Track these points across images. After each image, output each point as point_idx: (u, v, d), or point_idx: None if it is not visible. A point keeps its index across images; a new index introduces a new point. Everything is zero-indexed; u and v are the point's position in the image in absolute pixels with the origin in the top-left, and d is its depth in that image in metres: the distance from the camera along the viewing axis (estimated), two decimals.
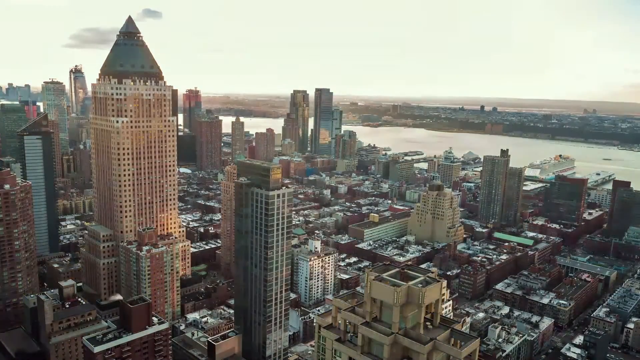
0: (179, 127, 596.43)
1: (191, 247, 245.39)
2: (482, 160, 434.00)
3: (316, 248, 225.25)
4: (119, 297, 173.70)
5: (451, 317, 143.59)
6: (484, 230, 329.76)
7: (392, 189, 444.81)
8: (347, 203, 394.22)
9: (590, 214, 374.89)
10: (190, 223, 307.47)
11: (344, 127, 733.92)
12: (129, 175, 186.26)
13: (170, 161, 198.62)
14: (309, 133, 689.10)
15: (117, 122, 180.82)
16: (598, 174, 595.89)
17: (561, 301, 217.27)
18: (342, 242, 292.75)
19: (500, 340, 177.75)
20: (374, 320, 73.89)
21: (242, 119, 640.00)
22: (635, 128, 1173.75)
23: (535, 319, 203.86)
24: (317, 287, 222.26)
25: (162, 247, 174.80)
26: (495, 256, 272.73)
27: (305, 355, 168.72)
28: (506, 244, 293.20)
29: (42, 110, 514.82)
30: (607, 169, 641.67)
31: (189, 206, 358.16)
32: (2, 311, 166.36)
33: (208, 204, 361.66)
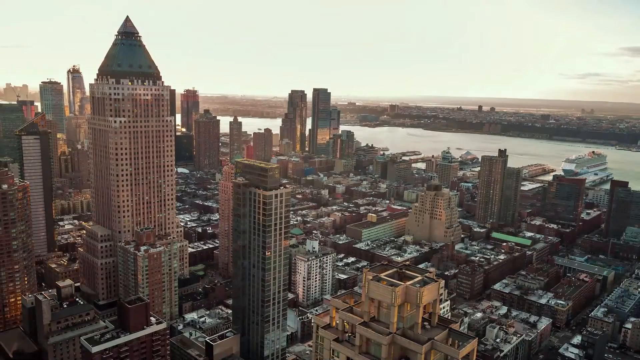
0: (177, 127, 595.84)
1: (189, 247, 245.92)
2: (480, 160, 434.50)
3: (314, 248, 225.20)
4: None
5: (449, 317, 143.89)
6: (481, 230, 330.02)
7: (390, 189, 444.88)
8: (345, 203, 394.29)
9: (588, 214, 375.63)
10: (188, 223, 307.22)
11: (342, 127, 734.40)
12: (126, 175, 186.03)
13: (168, 161, 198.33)
14: (307, 133, 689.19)
15: (115, 122, 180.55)
16: (596, 174, 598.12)
17: (559, 301, 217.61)
18: (340, 242, 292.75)
19: (498, 340, 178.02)
20: (372, 320, 73.95)
21: (240, 119, 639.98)
22: (633, 128, 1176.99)
23: (533, 319, 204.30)
24: (315, 287, 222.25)
25: (160, 247, 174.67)
26: (493, 256, 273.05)
27: (303, 355, 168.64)
28: (504, 244, 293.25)
29: (39, 110, 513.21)
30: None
31: (187, 206, 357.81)
32: (0, 311, 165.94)
33: (206, 204, 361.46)
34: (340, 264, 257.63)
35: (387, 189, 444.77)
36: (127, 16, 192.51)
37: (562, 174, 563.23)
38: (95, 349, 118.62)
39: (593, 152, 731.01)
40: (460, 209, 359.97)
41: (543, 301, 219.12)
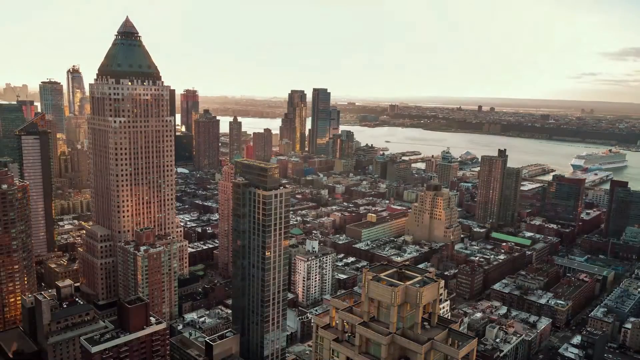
0: (177, 127, 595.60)
1: (189, 247, 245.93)
2: (479, 160, 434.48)
3: (314, 248, 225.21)
4: None
5: (449, 317, 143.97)
6: (481, 230, 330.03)
7: (390, 189, 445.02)
8: (344, 203, 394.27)
9: (587, 214, 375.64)
10: (188, 223, 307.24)
11: (342, 127, 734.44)
12: (126, 175, 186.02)
13: (167, 161, 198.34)
14: (307, 133, 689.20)
15: (115, 122, 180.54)
16: (596, 174, 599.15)
17: (559, 301, 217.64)
18: (340, 242, 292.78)
19: (497, 340, 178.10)
20: (372, 320, 73.95)
21: (239, 119, 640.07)
22: (633, 128, 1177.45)
23: (532, 319, 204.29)
24: (315, 287, 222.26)
25: (159, 247, 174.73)
26: (492, 256, 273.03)
27: (303, 355, 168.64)
28: (504, 244, 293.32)
29: (39, 110, 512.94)
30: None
31: (187, 206, 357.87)
32: (0, 311, 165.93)
33: (205, 204, 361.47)
34: (340, 264, 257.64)
35: (386, 189, 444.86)
36: (127, 16, 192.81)
37: (571, 169, 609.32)
38: (95, 349, 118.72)
39: (610, 150, 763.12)
40: (460, 209, 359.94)
41: (543, 301, 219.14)
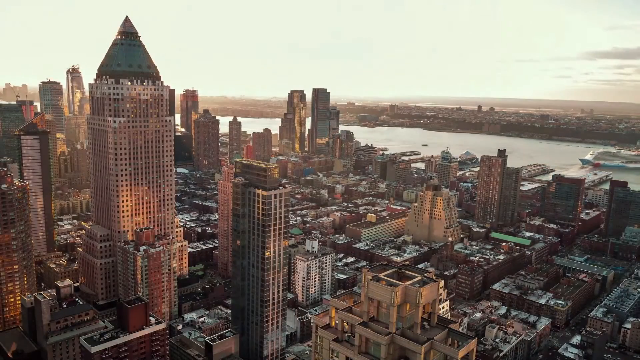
0: (176, 127, 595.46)
1: (188, 247, 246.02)
2: (479, 160, 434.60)
3: (313, 248, 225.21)
4: None
5: (448, 317, 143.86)
6: (481, 230, 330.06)
7: (390, 189, 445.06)
8: (344, 203, 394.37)
9: (587, 214, 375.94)
10: (188, 223, 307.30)
11: (342, 127, 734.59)
12: (126, 175, 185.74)
13: (167, 161, 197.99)
14: (307, 133, 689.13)
15: (114, 122, 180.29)
16: (595, 174, 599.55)
17: (558, 301, 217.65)
18: (340, 242, 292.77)
19: (497, 340, 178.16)
20: (371, 320, 74.00)
21: (239, 119, 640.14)
22: (632, 128, 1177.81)
23: (532, 319, 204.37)
24: (315, 287, 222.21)
25: (159, 247, 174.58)
26: (492, 256, 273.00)
27: (303, 355, 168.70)
28: (503, 244, 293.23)
29: (39, 110, 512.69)
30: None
31: (186, 206, 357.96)
32: (0, 311, 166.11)
33: (205, 204, 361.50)
34: (340, 264, 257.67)
35: (386, 189, 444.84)
36: (127, 16, 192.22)
37: (580, 163, 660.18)
38: (94, 349, 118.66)
39: None
40: (459, 209, 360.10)
41: (542, 301, 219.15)
